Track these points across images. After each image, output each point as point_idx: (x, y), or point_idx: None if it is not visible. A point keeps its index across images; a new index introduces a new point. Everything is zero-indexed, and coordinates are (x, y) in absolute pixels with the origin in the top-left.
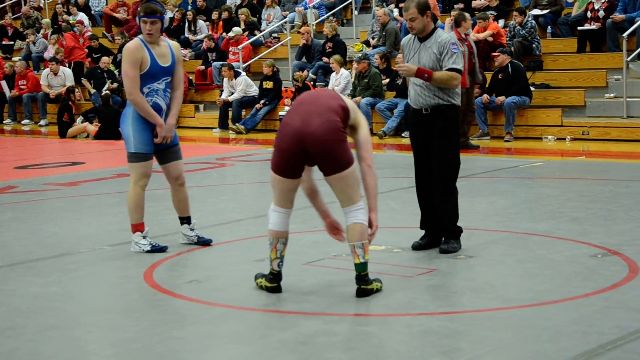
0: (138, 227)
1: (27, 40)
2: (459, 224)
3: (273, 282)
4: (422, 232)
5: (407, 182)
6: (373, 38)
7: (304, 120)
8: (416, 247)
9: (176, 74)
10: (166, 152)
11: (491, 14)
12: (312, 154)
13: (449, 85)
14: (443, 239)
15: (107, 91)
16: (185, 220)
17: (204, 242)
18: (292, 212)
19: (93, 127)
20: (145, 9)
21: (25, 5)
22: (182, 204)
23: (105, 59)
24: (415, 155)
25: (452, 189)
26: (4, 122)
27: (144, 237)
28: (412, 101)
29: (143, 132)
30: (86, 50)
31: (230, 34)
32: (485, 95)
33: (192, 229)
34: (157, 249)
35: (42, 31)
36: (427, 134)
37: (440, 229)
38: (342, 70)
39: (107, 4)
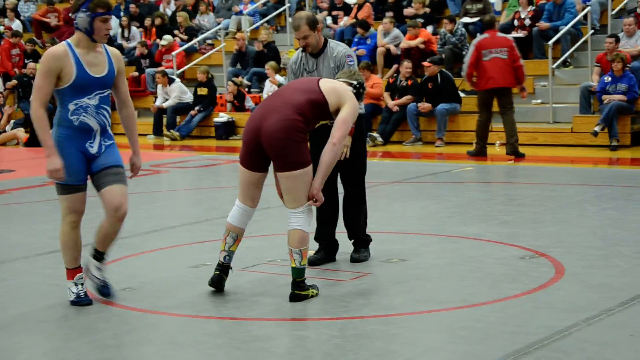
0: (72, 272)
1: None
2: (368, 232)
3: (215, 271)
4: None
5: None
6: None
7: (263, 115)
8: (312, 261)
9: (120, 87)
10: (103, 175)
11: (420, 21)
12: (265, 149)
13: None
14: (354, 247)
15: None
16: (100, 255)
17: (105, 293)
18: (251, 212)
19: (24, 135)
20: (103, 4)
21: None
22: (108, 239)
23: (31, 65)
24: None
25: (364, 198)
26: None
27: (75, 284)
28: None
29: (70, 157)
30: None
31: (163, 42)
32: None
33: (100, 269)
34: (82, 302)
35: None
36: None
37: (352, 238)
38: (278, 76)
39: (36, 10)
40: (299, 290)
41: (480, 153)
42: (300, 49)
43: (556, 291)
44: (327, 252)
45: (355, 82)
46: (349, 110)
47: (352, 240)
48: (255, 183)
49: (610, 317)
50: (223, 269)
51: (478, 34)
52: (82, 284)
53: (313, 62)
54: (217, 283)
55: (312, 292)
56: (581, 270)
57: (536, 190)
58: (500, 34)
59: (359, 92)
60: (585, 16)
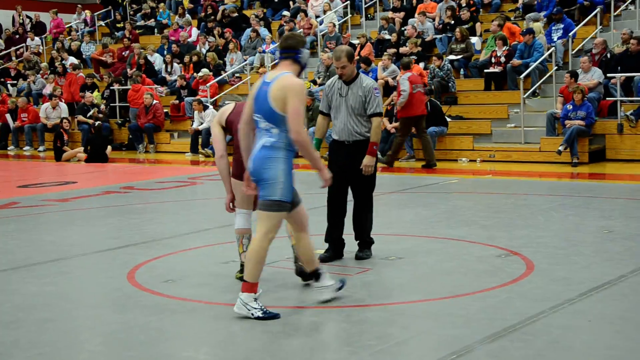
0: (253, 287)
1: (28, 80)
2: (373, 235)
3: (241, 273)
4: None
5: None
6: (319, 77)
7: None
8: (322, 259)
9: None
10: (295, 194)
11: (413, 57)
12: None
13: (379, 130)
14: (359, 247)
15: (99, 122)
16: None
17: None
18: (251, 214)
19: (83, 154)
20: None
21: (26, 51)
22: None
23: (88, 95)
24: (333, 177)
25: (372, 208)
26: (8, 148)
27: (255, 300)
28: (337, 134)
29: (290, 178)
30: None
31: (200, 74)
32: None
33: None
34: (269, 316)
35: (40, 72)
36: (348, 160)
37: (358, 239)
38: None
39: (95, 50)
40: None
41: (390, 164)
42: (337, 75)
43: (527, 284)
44: (335, 251)
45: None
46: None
47: (358, 242)
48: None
49: (572, 306)
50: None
51: (409, 72)
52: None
53: (346, 89)
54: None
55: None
56: (547, 266)
57: (510, 199)
58: (413, 73)
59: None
60: (550, 55)
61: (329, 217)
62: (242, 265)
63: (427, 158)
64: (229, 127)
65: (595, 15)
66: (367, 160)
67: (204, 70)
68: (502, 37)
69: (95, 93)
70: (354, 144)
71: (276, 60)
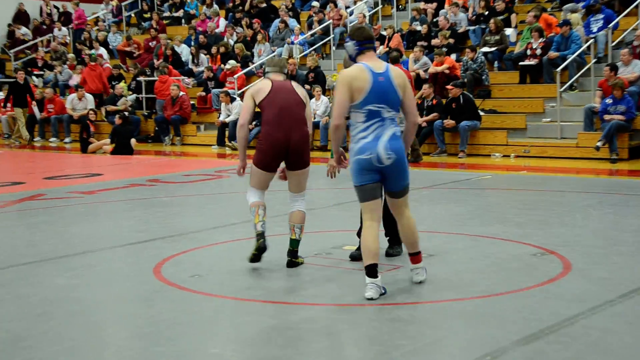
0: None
1: (55, 70)
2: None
3: (259, 239)
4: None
5: None
6: None
7: (288, 130)
8: (355, 257)
9: None
10: None
11: (444, 50)
12: (290, 154)
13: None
14: (389, 244)
15: (125, 112)
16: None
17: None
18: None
19: (109, 147)
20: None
21: (53, 41)
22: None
23: (118, 86)
24: None
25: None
26: (35, 139)
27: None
28: None
29: None
30: (105, 80)
31: (227, 66)
32: (449, 121)
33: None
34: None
35: (67, 63)
36: None
37: (388, 236)
38: (322, 97)
39: (122, 40)
40: (295, 259)
41: (417, 159)
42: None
43: (564, 284)
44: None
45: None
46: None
47: (388, 238)
48: (269, 180)
49: (611, 307)
50: (262, 237)
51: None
52: None
53: None
54: (263, 249)
55: (301, 259)
56: (585, 266)
57: (546, 196)
58: (403, 68)
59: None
60: (589, 47)
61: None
62: (257, 234)
63: (415, 149)
64: (260, 108)
65: (637, 6)
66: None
67: (232, 62)
68: (538, 29)
69: (122, 84)
70: None
71: (305, 52)
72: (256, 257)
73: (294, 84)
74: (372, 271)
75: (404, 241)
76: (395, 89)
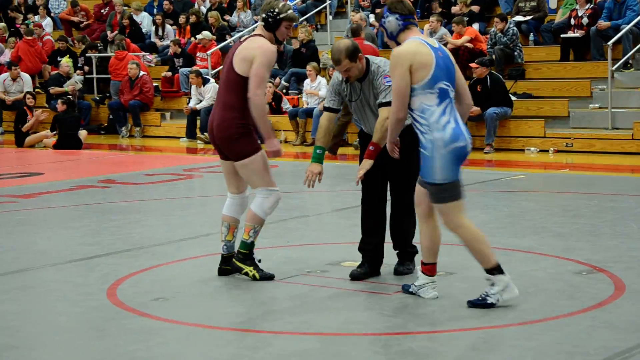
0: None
1: None
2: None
3: (220, 265)
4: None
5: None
6: None
7: (212, 114)
8: (356, 276)
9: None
10: None
11: (465, 19)
12: (217, 145)
13: (386, 125)
14: (398, 259)
15: (70, 96)
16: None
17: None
18: (240, 200)
19: (51, 140)
20: None
21: None
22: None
23: (62, 63)
24: (366, 178)
25: (413, 210)
26: None
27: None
28: (368, 130)
29: None
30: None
31: (199, 36)
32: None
33: None
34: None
35: None
36: (383, 153)
37: (398, 249)
38: (319, 77)
39: (67, 7)
40: (239, 261)
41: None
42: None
43: (616, 309)
44: (370, 265)
45: (264, 15)
46: (257, 62)
47: (397, 252)
48: (231, 171)
49: None
50: (223, 261)
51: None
52: None
53: (358, 86)
54: (222, 273)
55: (251, 270)
56: None
57: (593, 200)
58: (366, 42)
59: (268, 23)
60: None
61: (363, 221)
62: (221, 257)
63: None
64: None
65: None
66: (366, 164)
67: (205, 33)
68: None
69: (67, 59)
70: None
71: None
72: (222, 272)
73: (251, 38)
74: (499, 268)
75: (432, 247)
76: (454, 65)
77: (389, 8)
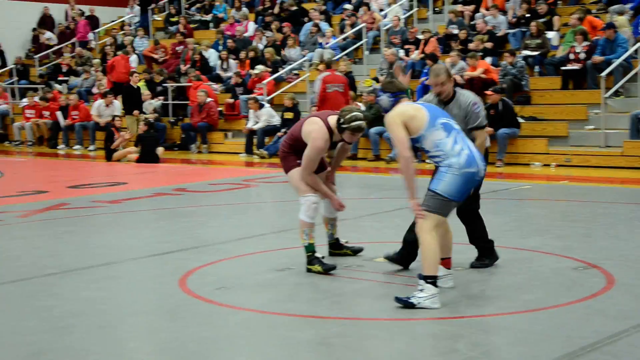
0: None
1: (81, 76)
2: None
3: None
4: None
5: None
6: (382, 75)
7: None
8: (388, 257)
9: None
10: None
11: (479, 54)
12: None
13: (484, 145)
14: (477, 255)
15: (151, 119)
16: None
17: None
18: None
19: (134, 155)
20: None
21: (79, 46)
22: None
23: (145, 92)
24: None
25: (478, 211)
26: (59, 147)
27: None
28: None
29: None
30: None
31: (255, 71)
32: (487, 128)
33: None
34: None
35: (92, 69)
36: None
37: (473, 243)
38: (358, 103)
39: (149, 45)
40: (307, 264)
41: None
42: (433, 94)
43: (607, 300)
44: (402, 257)
45: (338, 116)
46: (307, 149)
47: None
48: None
49: None
50: (329, 246)
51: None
52: None
53: (444, 109)
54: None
55: (315, 267)
56: (630, 281)
57: (589, 207)
58: (337, 73)
59: (340, 126)
60: (636, 50)
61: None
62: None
63: None
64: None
65: None
66: None
67: (259, 67)
68: (583, 31)
69: (141, 83)
70: None
71: (337, 57)
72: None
73: (314, 120)
74: (435, 282)
75: (443, 246)
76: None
77: (382, 88)
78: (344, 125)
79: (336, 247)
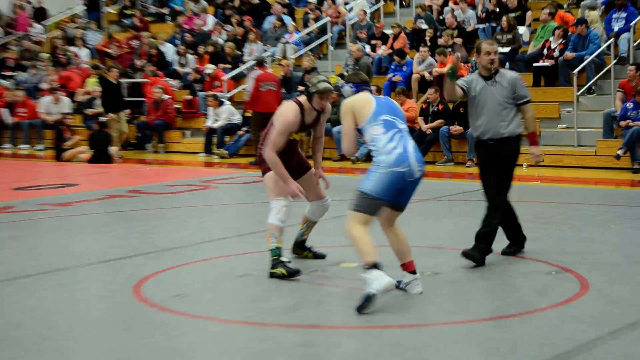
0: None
1: (28, 71)
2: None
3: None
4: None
5: None
6: (347, 71)
7: None
8: (504, 253)
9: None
10: None
11: (448, 51)
12: None
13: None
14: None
15: (103, 118)
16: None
17: None
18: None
19: (86, 155)
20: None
21: (23, 39)
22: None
23: (97, 89)
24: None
25: (497, 207)
26: (4, 146)
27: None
28: (480, 133)
29: None
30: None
31: (207, 71)
32: (456, 127)
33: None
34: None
35: (41, 64)
36: (492, 158)
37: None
38: None
39: (102, 39)
40: (271, 268)
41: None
42: (476, 72)
43: (581, 305)
44: (516, 244)
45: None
46: (274, 128)
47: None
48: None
49: (634, 331)
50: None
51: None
52: None
53: (482, 83)
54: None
55: (280, 271)
56: (605, 285)
57: (561, 209)
58: (269, 71)
59: (308, 92)
60: (608, 46)
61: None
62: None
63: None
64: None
65: None
66: (535, 149)
67: (210, 66)
68: (564, 28)
69: (92, 80)
70: (498, 142)
71: (300, 52)
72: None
73: (286, 102)
74: (378, 267)
75: (399, 252)
76: (397, 106)
77: (346, 79)
78: (312, 90)
79: (300, 247)
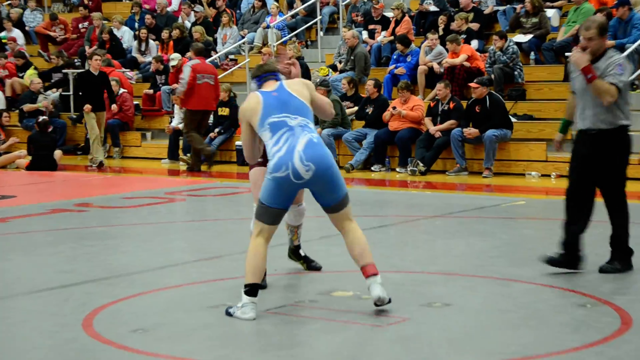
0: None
1: None
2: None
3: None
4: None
5: (376, 221)
6: (340, 62)
7: None
8: (548, 260)
9: None
10: None
11: (462, 37)
12: None
13: (600, 97)
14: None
15: (45, 117)
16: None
17: None
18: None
19: (24, 161)
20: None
21: None
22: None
23: (36, 80)
24: (575, 171)
25: (624, 206)
26: None
27: None
28: (580, 121)
29: None
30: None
31: (172, 63)
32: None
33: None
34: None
35: None
36: (591, 151)
37: (613, 245)
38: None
39: (43, 20)
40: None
41: (195, 168)
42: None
43: (623, 344)
44: (567, 256)
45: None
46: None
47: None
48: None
49: None
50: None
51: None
52: None
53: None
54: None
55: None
56: None
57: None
58: (208, 62)
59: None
60: None
61: (567, 212)
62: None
63: (190, 161)
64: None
65: None
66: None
67: (175, 56)
68: (607, 11)
69: (31, 71)
70: (598, 134)
71: (284, 39)
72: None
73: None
74: (254, 291)
75: (355, 255)
76: (293, 96)
77: (251, 75)
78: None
79: (295, 254)
